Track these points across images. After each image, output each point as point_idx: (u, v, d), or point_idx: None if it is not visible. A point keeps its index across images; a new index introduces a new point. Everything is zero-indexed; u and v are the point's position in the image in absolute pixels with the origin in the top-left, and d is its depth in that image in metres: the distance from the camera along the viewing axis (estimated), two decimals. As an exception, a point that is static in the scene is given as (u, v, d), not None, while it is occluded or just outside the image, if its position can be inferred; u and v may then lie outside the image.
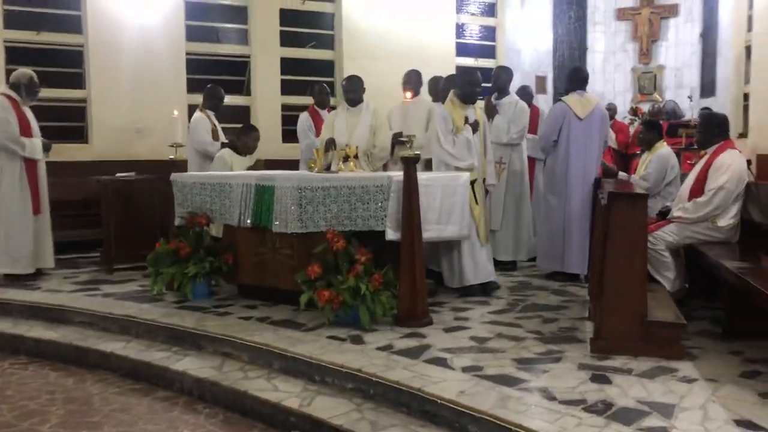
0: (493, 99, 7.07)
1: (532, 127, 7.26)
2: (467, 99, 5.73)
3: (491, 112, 6.82)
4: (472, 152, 5.61)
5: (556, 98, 10.10)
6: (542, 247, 6.41)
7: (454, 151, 5.59)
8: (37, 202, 6.41)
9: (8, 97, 6.36)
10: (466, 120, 5.67)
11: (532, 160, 7.22)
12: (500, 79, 7.15)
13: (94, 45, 8.48)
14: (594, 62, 12.70)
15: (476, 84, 5.74)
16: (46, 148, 6.55)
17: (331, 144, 6.09)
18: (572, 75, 6.43)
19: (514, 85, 8.14)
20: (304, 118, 7.68)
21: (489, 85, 7.48)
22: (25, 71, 6.54)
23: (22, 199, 6.32)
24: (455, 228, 5.14)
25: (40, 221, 6.46)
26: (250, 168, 6.68)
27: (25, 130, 6.35)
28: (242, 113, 9.40)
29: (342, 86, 6.53)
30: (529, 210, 7.01)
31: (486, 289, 5.68)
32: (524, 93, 7.77)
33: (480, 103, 5.79)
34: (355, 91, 6.30)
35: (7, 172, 6.29)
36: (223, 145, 6.90)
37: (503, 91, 7.07)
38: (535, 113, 7.53)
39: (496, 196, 6.61)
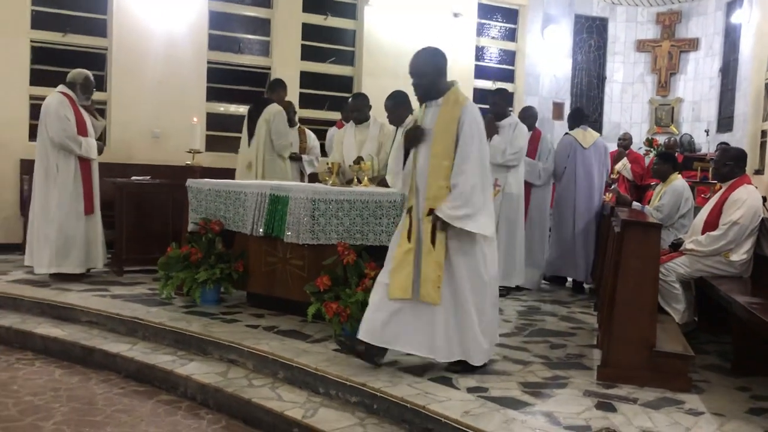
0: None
1: (531, 151, 6.99)
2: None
3: (491, 131, 6.49)
4: (393, 170, 4.36)
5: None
6: (552, 254, 7.35)
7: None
8: (90, 201, 6.47)
9: (66, 95, 6.42)
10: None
11: (527, 185, 6.93)
12: (495, 105, 6.84)
13: (117, 49, 8.60)
14: (612, 92, 12.76)
15: (410, 74, 4.07)
16: (99, 150, 6.62)
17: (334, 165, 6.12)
18: (575, 114, 7.58)
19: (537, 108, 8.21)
20: (332, 132, 7.71)
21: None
22: (81, 71, 6.59)
23: (75, 198, 6.36)
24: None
25: (91, 221, 6.52)
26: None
27: (82, 129, 6.40)
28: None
29: (348, 105, 6.58)
30: (523, 236, 6.75)
31: (368, 354, 4.07)
32: (526, 115, 7.38)
33: (446, 102, 4.02)
34: (359, 110, 6.33)
35: (62, 171, 6.33)
36: None
37: (501, 116, 6.71)
38: (536, 137, 7.18)
39: None
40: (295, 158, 7.71)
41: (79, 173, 6.40)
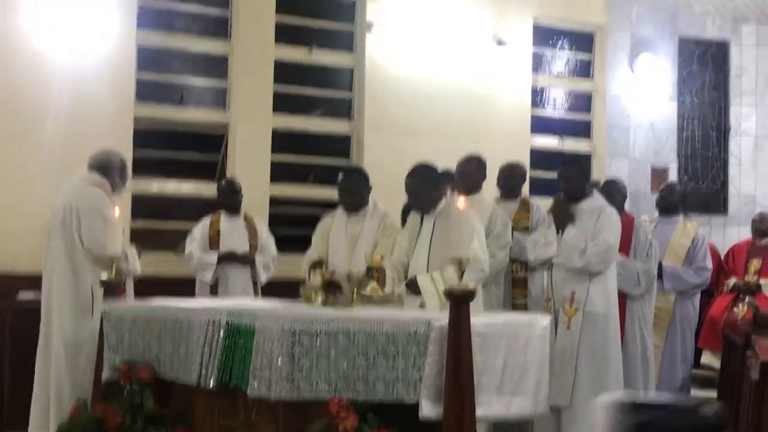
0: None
1: (622, 245, 7.04)
2: None
3: (564, 219, 6.69)
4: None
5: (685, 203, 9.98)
6: None
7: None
8: None
9: (102, 188, 6.70)
10: None
11: (622, 298, 7.01)
12: (569, 180, 6.88)
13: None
14: (740, 150, 12.74)
15: None
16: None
17: (318, 266, 6.18)
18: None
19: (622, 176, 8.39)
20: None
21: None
22: (114, 151, 6.94)
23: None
24: (526, 402, 5.10)
25: None
26: None
27: None
28: (209, 210, 9.37)
29: (337, 185, 6.68)
30: (619, 378, 6.71)
31: None
32: (610, 192, 7.51)
33: None
34: (352, 192, 6.52)
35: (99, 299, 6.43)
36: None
37: (577, 195, 6.77)
38: (627, 225, 7.27)
39: (563, 352, 6.48)
40: (245, 261, 8.04)
41: None
